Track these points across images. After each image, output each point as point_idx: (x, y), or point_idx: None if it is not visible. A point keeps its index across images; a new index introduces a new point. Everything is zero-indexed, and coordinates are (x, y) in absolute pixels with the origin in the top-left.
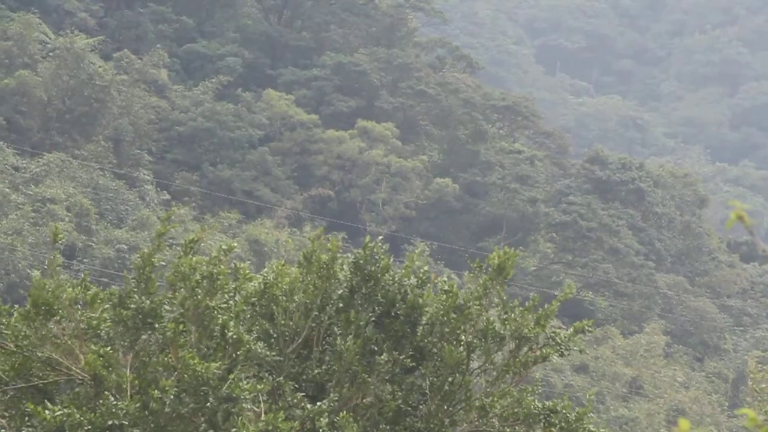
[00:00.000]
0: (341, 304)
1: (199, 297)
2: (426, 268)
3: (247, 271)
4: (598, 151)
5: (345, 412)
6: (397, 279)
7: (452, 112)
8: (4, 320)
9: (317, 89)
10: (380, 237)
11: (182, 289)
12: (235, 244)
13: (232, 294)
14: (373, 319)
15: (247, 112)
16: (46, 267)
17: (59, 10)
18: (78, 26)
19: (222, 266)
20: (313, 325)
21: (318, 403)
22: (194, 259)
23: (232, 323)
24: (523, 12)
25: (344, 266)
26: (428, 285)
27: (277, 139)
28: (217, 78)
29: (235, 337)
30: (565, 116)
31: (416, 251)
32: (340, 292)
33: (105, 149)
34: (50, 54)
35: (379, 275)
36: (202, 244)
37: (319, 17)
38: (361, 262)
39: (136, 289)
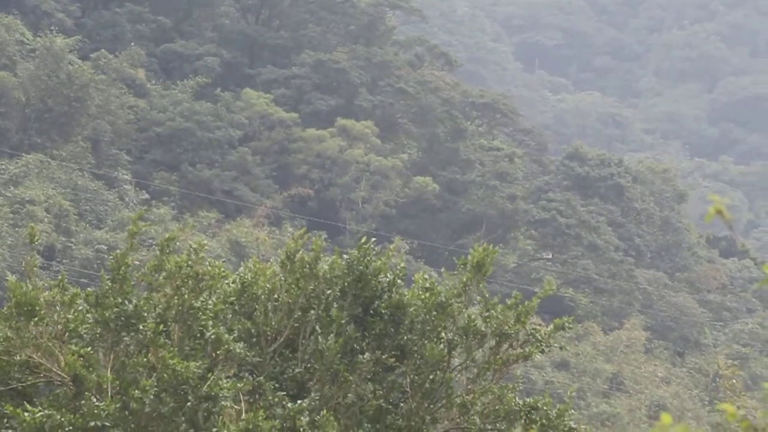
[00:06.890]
0: (324, 304)
1: (185, 297)
2: (403, 265)
3: (222, 269)
4: (577, 147)
5: (326, 411)
6: (372, 274)
7: (431, 110)
8: None
9: (296, 88)
10: (362, 236)
11: (167, 288)
12: (206, 242)
13: (209, 293)
14: (349, 317)
15: (226, 111)
16: (24, 268)
17: (37, 10)
18: (56, 26)
19: (206, 266)
20: (296, 325)
21: (299, 402)
22: (180, 257)
23: (210, 323)
24: (501, 9)
25: (334, 268)
26: (412, 285)
27: (256, 138)
28: (195, 78)
29: (214, 336)
30: (544, 113)
31: (391, 247)
32: (329, 292)
33: (84, 150)
34: (29, 55)
35: (370, 277)
36: (183, 244)
37: (297, 16)
38: (355, 263)
39: (111, 290)
